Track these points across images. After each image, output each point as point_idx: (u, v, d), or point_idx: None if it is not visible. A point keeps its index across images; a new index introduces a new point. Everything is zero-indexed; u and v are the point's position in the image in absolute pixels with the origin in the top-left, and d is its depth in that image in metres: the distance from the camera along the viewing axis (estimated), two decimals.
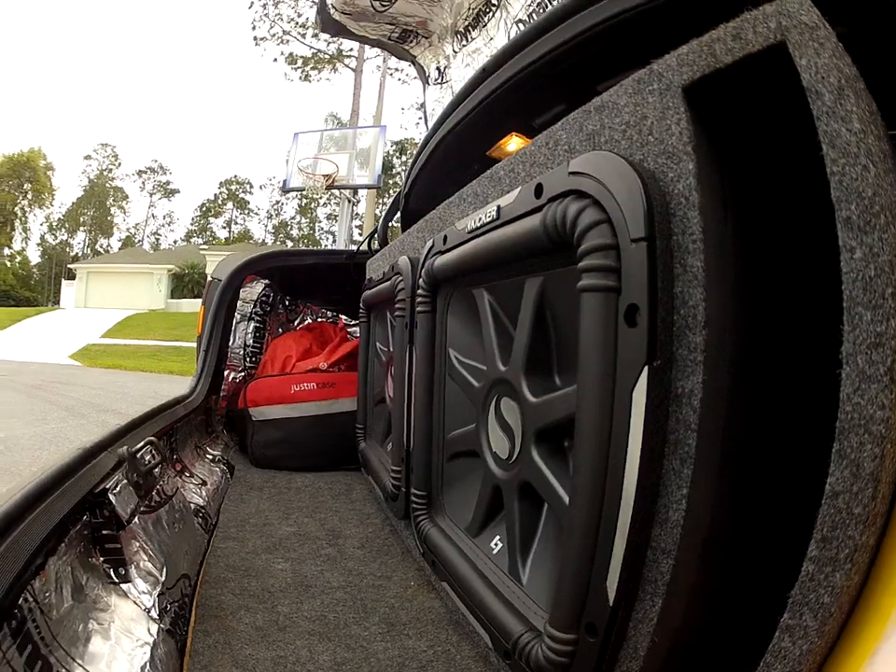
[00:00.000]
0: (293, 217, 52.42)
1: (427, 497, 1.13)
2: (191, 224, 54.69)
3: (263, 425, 2.01)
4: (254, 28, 21.03)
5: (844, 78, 0.38)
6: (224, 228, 53.65)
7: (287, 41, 20.89)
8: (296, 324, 2.65)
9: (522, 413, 0.80)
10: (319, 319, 2.71)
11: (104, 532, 0.79)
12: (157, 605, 0.80)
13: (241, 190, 53.64)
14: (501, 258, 0.81)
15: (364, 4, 2.04)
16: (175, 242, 53.32)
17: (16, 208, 44.16)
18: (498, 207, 0.80)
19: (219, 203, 54.04)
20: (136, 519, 0.85)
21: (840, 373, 0.38)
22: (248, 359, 2.32)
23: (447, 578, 0.95)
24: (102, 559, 0.78)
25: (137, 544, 0.85)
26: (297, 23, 20.28)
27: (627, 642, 0.54)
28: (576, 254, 0.58)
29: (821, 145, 0.39)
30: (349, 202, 9.36)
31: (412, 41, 2.27)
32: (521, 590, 0.77)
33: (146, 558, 0.84)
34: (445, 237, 1.03)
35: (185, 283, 33.51)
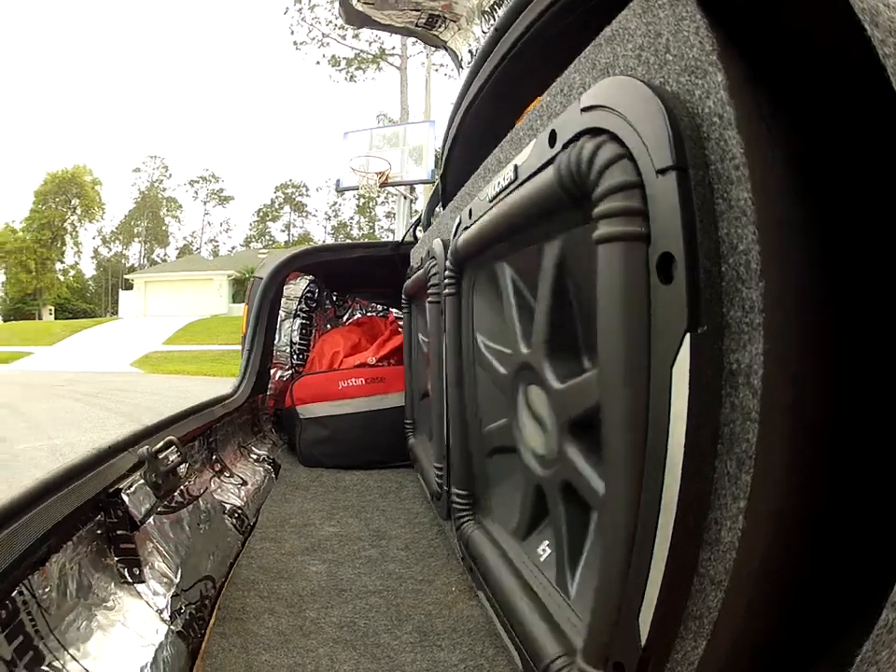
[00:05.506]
0: (352, 218, 52.30)
1: (472, 497, 1.05)
2: (250, 229, 54.91)
3: (311, 423, 1.99)
4: (292, 33, 20.77)
5: None
6: (283, 231, 53.70)
7: (328, 43, 20.57)
8: (344, 319, 2.62)
9: (549, 402, 0.70)
10: (369, 314, 2.66)
11: (118, 532, 0.78)
12: (170, 606, 0.78)
13: (297, 193, 53.46)
14: (518, 223, 0.71)
15: None
16: (233, 248, 53.48)
17: (65, 223, 45.21)
18: (515, 167, 0.71)
19: (276, 207, 53.94)
20: (152, 519, 0.83)
21: None
22: (295, 357, 2.31)
23: (483, 587, 0.86)
24: (116, 559, 0.78)
25: (151, 545, 0.83)
26: (336, 25, 19.73)
27: None
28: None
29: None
30: (405, 198, 9.35)
31: (440, 26, 2.15)
32: (567, 604, 0.66)
33: (160, 559, 0.82)
34: (471, 211, 0.95)
35: (246, 287, 34.30)
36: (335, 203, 52.01)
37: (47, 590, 0.61)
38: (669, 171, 0.39)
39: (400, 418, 1.92)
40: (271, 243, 51.65)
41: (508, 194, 0.73)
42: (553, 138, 0.58)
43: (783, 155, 0.38)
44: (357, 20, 2.16)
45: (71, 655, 0.59)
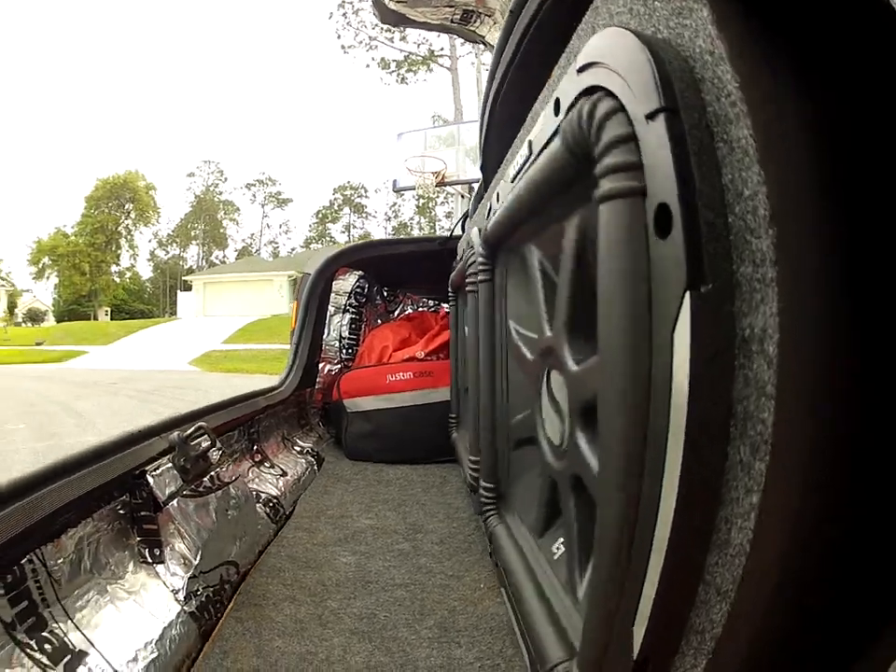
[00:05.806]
0: (412, 218, 51.70)
1: (497, 491, 1.02)
2: (310, 231, 54.59)
3: (357, 416, 1.99)
4: (339, 37, 20.36)
5: None
6: (343, 232, 53.26)
7: (375, 46, 20.14)
8: (395, 314, 2.62)
9: (566, 387, 0.66)
10: (420, 308, 2.65)
11: (142, 513, 0.80)
12: (186, 587, 0.79)
13: (356, 195, 53.09)
14: (533, 199, 0.68)
15: None
16: (293, 249, 53.14)
17: (120, 227, 45.17)
18: (529, 143, 0.68)
19: (336, 208, 53.52)
20: (176, 502, 0.85)
21: None
22: (344, 351, 2.32)
23: (504, 583, 0.82)
24: (138, 539, 0.80)
25: (173, 527, 0.84)
26: (381, 28, 19.15)
27: None
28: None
29: None
30: (462, 197, 9.33)
31: (475, 21, 2.10)
32: (574, 607, 0.62)
33: (181, 541, 0.84)
34: (498, 195, 0.92)
35: None
36: (394, 203, 51.54)
37: (59, 561, 0.63)
38: (657, 114, 0.35)
39: (448, 413, 1.89)
40: (331, 244, 50.91)
41: (525, 172, 0.70)
42: (557, 106, 0.55)
43: (785, 88, 0.32)
44: (391, 18, 2.15)
45: (75, 624, 0.61)
